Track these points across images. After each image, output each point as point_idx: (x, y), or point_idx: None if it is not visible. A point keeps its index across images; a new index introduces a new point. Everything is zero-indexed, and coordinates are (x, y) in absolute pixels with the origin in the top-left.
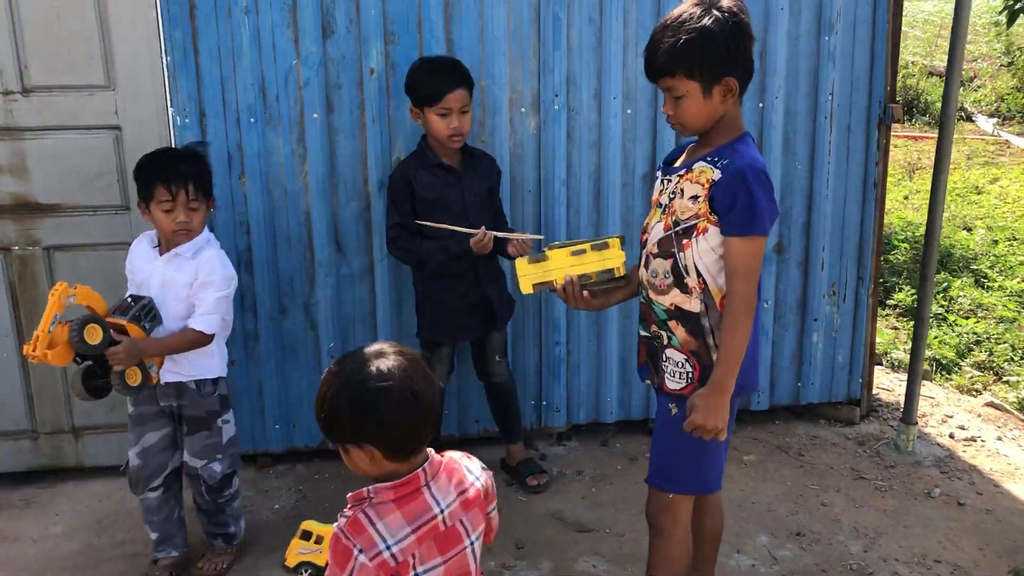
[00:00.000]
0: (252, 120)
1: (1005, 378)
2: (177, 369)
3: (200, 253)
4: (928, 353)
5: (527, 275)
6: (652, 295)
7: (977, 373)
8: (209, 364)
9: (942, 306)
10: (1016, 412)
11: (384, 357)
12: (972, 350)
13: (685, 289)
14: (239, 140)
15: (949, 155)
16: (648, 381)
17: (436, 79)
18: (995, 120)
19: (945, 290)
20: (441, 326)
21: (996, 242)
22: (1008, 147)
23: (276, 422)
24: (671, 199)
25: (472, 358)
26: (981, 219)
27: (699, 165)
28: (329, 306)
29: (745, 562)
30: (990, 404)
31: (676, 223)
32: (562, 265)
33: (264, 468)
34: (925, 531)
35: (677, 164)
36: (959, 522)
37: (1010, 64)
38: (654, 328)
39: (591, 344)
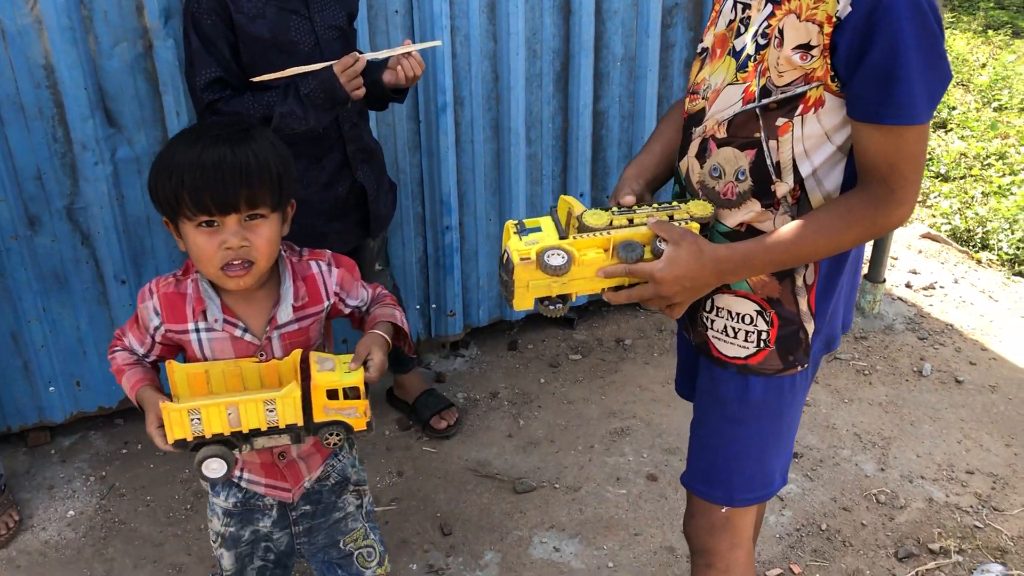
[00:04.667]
0: None
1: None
2: None
3: None
4: None
5: (528, 286)
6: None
7: None
8: None
9: None
10: (954, 244)
11: None
12: None
13: (770, 201)
14: None
15: None
16: (686, 334)
17: None
18: None
19: None
20: (293, 237)
21: None
22: None
23: (50, 382)
24: (760, 47)
25: None
26: None
27: None
28: (108, 208)
29: None
30: (927, 236)
31: (767, 90)
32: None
33: (40, 447)
34: (936, 428)
35: None
36: (968, 409)
37: None
38: None
39: (491, 224)
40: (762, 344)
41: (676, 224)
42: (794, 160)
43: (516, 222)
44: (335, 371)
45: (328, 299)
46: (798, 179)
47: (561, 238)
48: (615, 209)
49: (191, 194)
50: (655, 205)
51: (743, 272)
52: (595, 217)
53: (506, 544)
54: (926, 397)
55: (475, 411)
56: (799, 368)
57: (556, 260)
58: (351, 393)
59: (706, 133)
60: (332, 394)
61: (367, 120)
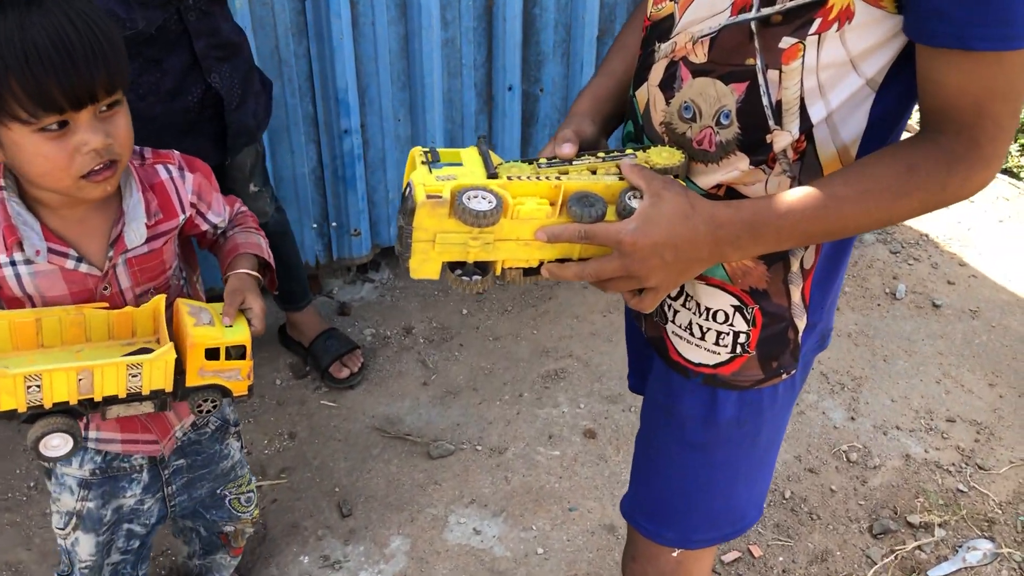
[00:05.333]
0: None
1: None
2: None
3: None
4: None
5: (434, 241)
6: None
7: None
8: None
9: None
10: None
11: None
12: None
13: (763, 155)
14: None
15: None
16: (637, 323)
17: None
18: None
19: None
20: None
21: None
22: None
23: None
24: None
25: None
26: None
27: None
28: None
29: None
30: None
31: None
32: (536, 215)
33: None
34: (912, 365)
35: None
36: (947, 340)
37: None
38: None
39: (400, 126)
40: (739, 349)
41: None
42: (802, 99)
43: (427, 149)
44: (214, 325)
45: (183, 212)
46: (805, 126)
47: (490, 177)
48: (542, 161)
49: (27, 87)
50: (600, 155)
51: (749, 245)
52: (513, 171)
53: (417, 526)
54: (900, 326)
55: (385, 352)
56: (784, 376)
57: (480, 204)
58: (235, 352)
59: (676, 53)
60: (212, 354)
61: (224, 5)
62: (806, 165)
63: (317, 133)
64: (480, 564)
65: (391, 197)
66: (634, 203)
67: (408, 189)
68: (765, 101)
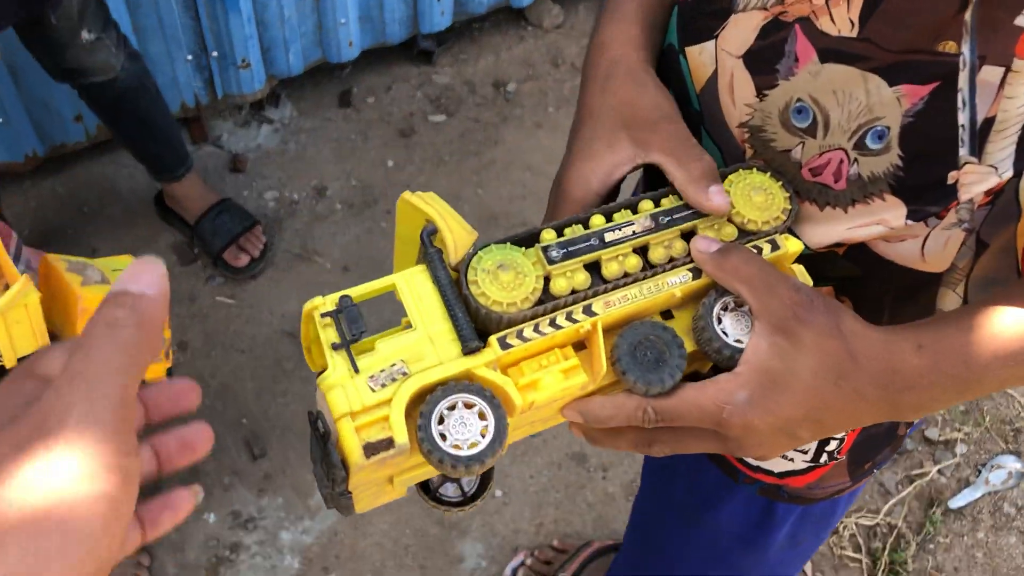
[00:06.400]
0: None
1: None
2: None
3: None
4: None
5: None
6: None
7: None
8: None
9: None
10: None
11: None
12: None
13: (935, 204)
14: None
15: None
16: None
17: None
18: None
19: None
20: None
21: None
22: None
23: None
24: None
25: (31, 52)
26: None
27: None
28: None
29: None
30: None
31: None
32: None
33: None
34: None
35: None
36: None
37: None
38: None
39: None
40: (824, 458)
41: (763, 267)
42: None
43: (336, 307)
44: (108, 284)
45: None
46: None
47: (469, 352)
48: (549, 243)
49: None
50: (644, 205)
51: (945, 402)
52: (504, 286)
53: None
54: None
55: (292, 223)
56: (873, 474)
57: (465, 435)
58: None
59: (789, 6)
60: None
61: None
62: (996, 211)
63: None
64: (427, 516)
65: (287, 15)
66: (733, 331)
67: (319, 419)
68: (963, 118)
